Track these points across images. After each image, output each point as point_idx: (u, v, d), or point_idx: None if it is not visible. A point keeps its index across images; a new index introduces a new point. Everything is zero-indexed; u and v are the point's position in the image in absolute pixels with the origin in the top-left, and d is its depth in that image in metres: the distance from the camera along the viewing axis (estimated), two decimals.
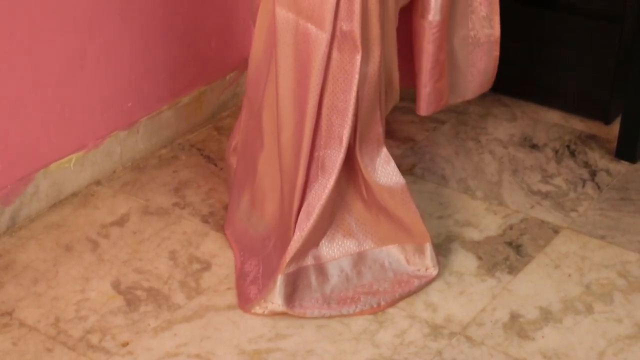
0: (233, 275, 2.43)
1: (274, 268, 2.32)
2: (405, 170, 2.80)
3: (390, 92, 2.44)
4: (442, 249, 2.51)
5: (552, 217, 2.65)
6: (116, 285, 2.40)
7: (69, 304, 2.34)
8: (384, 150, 2.37)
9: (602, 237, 2.57)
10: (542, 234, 2.59)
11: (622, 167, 2.86)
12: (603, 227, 2.61)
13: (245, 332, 2.26)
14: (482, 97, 2.64)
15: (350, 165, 2.35)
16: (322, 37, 2.18)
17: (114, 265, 2.46)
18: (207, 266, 2.47)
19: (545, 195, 2.73)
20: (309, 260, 2.33)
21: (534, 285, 2.41)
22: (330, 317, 2.30)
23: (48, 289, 2.39)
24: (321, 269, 2.34)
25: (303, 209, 2.29)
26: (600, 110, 3.03)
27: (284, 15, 2.21)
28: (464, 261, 2.49)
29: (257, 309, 2.29)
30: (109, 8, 2.66)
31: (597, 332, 2.28)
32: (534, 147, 2.94)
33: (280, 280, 2.27)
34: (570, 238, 2.57)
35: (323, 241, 2.35)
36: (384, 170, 2.36)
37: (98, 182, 2.78)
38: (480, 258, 2.50)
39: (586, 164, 2.87)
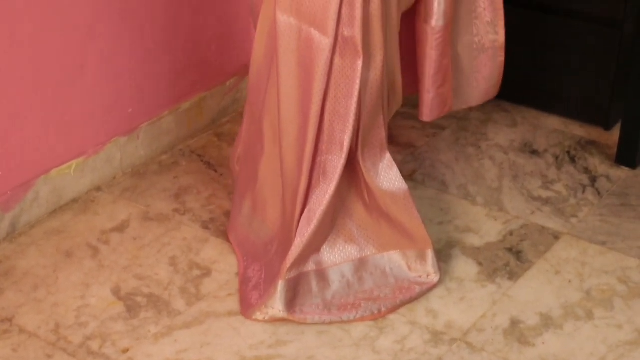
0: (233, 282, 2.43)
1: (275, 273, 2.32)
2: (406, 176, 2.80)
3: (393, 97, 2.44)
4: (443, 255, 2.51)
5: (553, 223, 2.65)
6: (116, 292, 2.40)
7: (69, 310, 2.34)
8: (387, 156, 2.37)
9: (603, 243, 2.57)
10: (542, 240, 2.58)
11: (623, 173, 2.86)
12: (603, 233, 2.61)
13: (246, 339, 2.26)
14: (483, 102, 2.64)
15: (352, 170, 2.35)
16: (325, 43, 2.18)
17: (114, 272, 2.46)
18: (207, 272, 2.47)
19: (546, 201, 2.73)
20: (310, 266, 2.33)
21: (535, 291, 2.41)
22: (331, 323, 2.30)
23: (48, 295, 2.39)
24: (322, 275, 2.34)
25: (304, 214, 2.29)
26: (600, 116, 3.03)
27: (285, 20, 2.21)
28: (464, 267, 2.49)
29: (258, 315, 2.29)
30: (109, 13, 2.66)
31: (598, 338, 2.27)
32: (534, 153, 2.94)
33: (281, 285, 2.27)
34: (570, 244, 2.57)
35: (324, 247, 2.35)
36: (386, 175, 2.36)
37: (98, 188, 2.78)
38: (480, 264, 2.50)
39: (586, 170, 2.87)
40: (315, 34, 2.19)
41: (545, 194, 2.76)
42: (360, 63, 2.19)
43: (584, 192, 2.78)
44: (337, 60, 2.21)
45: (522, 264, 2.50)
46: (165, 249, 2.54)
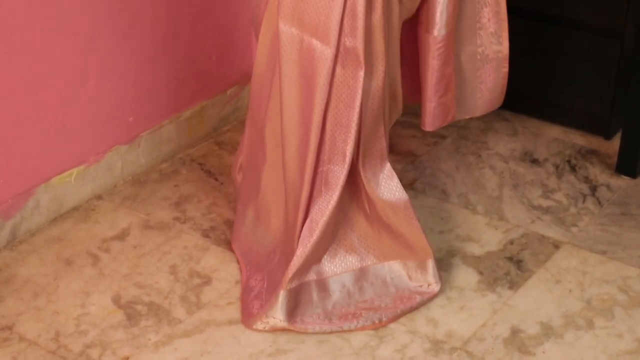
0: (234, 290, 2.43)
1: (277, 283, 2.32)
2: (406, 184, 2.80)
3: (394, 106, 2.44)
4: (443, 263, 2.51)
5: (553, 232, 2.65)
6: (116, 300, 2.40)
7: (69, 319, 2.34)
8: (388, 166, 2.37)
9: (603, 252, 2.57)
10: (542, 249, 2.58)
11: (623, 182, 2.86)
12: (604, 242, 2.61)
13: (246, 347, 2.26)
14: (487, 113, 2.63)
15: (353, 180, 2.35)
16: (327, 53, 2.18)
17: (114, 280, 2.46)
18: (207, 281, 2.47)
19: (546, 210, 2.73)
20: (311, 276, 2.33)
21: (535, 301, 2.41)
22: (331, 332, 2.30)
23: (48, 303, 2.39)
24: (323, 285, 2.34)
25: (306, 224, 2.29)
26: (600, 125, 3.03)
27: (287, 30, 2.21)
28: (464, 276, 2.48)
29: (259, 325, 2.29)
30: (110, 23, 2.67)
31: (598, 347, 2.27)
32: (534, 162, 2.94)
33: (282, 295, 2.27)
34: (571, 253, 2.57)
35: (325, 257, 2.35)
36: (387, 185, 2.36)
37: (99, 197, 2.78)
38: (481, 273, 2.50)
39: (587, 179, 2.87)
40: (317, 44, 2.19)
41: (545, 203, 2.76)
42: (362, 73, 2.20)
43: (584, 201, 2.78)
44: (338, 70, 2.21)
45: (522, 273, 2.50)
46: (166, 258, 2.54)
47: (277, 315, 2.27)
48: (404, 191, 2.37)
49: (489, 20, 2.46)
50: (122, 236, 2.62)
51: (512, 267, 2.52)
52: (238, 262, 2.51)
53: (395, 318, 2.33)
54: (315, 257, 2.32)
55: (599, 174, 2.89)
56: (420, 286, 2.38)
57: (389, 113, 2.40)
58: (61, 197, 2.69)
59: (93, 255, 2.55)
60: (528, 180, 2.86)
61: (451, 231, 2.65)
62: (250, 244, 2.48)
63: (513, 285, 2.46)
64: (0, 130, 2.50)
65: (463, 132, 3.07)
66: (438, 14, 2.36)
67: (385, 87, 2.28)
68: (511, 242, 2.61)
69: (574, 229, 2.66)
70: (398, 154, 2.95)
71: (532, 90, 3.11)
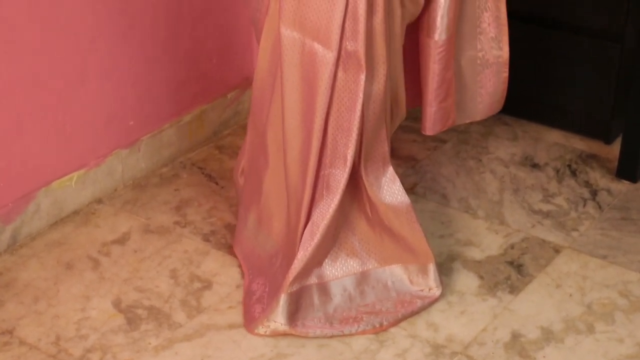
0: (234, 294, 2.43)
1: (278, 287, 2.32)
2: (407, 189, 2.80)
3: (396, 110, 2.44)
4: (444, 268, 2.51)
5: (553, 236, 2.65)
6: (117, 304, 2.40)
7: (69, 323, 2.34)
8: (390, 169, 2.37)
9: (604, 257, 2.57)
10: (543, 254, 2.58)
11: (623, 186, 2.86)
12: (604, 247, 2.61)
13: (247, 351, 2.26)
14: (487, 117, 2.63)
15: (354, 183, 2.35)
16: (328, 57, 2.18)
17: (114, 284, 2.46)
18: (208, 285, 2.46)
19: (547, 215, 2.73)
20: (312, 279, 2.32)
21: (535, 305, 2.41)
22: (332, 336, 2.30)
23: (49, 307, 2.38)
24: (324, 288, 2.34)
25: (307, 228, 2.29)
26: (601, 129, 3.03)
27: (289, 34, 2.21)
28: (465, 280, 2.48)
29: (260, 329, 2.28)
30: (110, 26, 2.67)
31: (599, 352, 2.27)
32: (535, 166, 2.94)
33: (283, 299, 2.27)
34: (571, 257, 2.57)
35: (326, 260, 2.35)
36: (389, 189, 2.36)
37: (99, 201, 2.78)
38: (481, 277, 2.50)
39: (587, 184, 2.87)
40: (319, 48, 2.19)
41: (546, 207, 2.76)
42: (363, 77, 2.20)
43: (584, 205, 2.78)
44: (340, 74, 2.21)
45: (522, 278, 2.50)
46: (166, 262, 2.54)
47: (278, 319, 2.27)
48: (406, 195, 2.37)
49: (489, 25, 2.46)
50: (122, 240, 2.62)
51: (512, 271, 2.52)
52: (239, 266, 2.51)
53: (396, 322, 2.33)
54: (316, 260, 2.32)
55: (599, 178, 2.89)
56: (422, 290, 2.38)
57: (391, 117, 2.40)
58: (62, 201, 2.68)
59: (93, 260, 2.55)
60: (528, 184, 2.86)
61: (452, 235, 2.65)
62: (253, 248, 2.48)
63: (514, 290, 2.46)
64: (0, 134, 2.50)
65: (463, 137, 3.07)
66: (439, 18, 2.36)
67: (386, 91, 2.28)
68: (512, 247, 2.61)
69: (575, 234, 2.66)
70: (399, 158, 2.95)
71: (532, 95, 3.11)
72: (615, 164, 2.92)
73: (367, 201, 2.36)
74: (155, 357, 2.24)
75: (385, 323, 2.32)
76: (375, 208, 2.35)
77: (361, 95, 2.21)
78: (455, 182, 2.87)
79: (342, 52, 2.20)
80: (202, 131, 3.03)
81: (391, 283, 2.38)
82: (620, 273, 2.51)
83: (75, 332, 2.31)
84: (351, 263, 2.37)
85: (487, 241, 2.63)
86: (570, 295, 2.44)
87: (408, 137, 3.05)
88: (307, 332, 2.28)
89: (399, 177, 2.77)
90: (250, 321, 2.32)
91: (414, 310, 2.36)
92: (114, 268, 2.51)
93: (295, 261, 2.28)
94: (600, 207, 2.77)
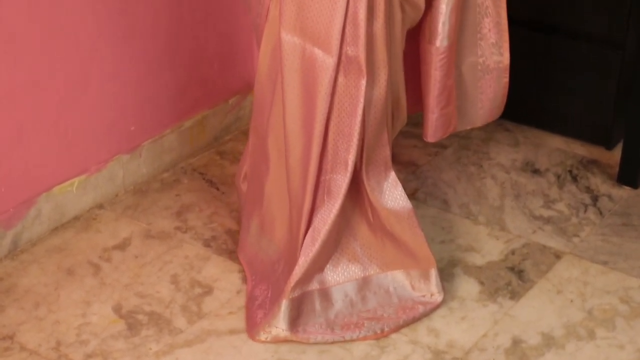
0: (235, 300, 2.43)
1: (280, 292, 2.31)
2: (408, 194, 2.78)
3: (398, 115, 2.44)
4: (445, 274, 2.51)
5: (554, 242, 2.65)
6: (117, 309, 2.40)
7: (70, 328, 2.34)
8: (392, 174, 2.37)
9: (604, 263, 2.57)
10: (544, 259, 2.58)
11: (624, 192, 2.86)
12: (605, 253, 2.61)
13: (247, 357, 2.26)
14: (487, 123, 2.63)
15: (356, 188, 2.35)
16: (328, 62, 2.19)
17: (115, 289, 2.46)
18: (208, 290, 2.46)
19: (547, 221, 2.73)
20: (314, 285, 2.32)
21: (536, 311, 2.41)
22: (333, 342, 2.29)
23: (49, 312, 2.38)
24: (325, 294, 2.34)
25: (309, 233, 2.29)
26: (602, 135, 3.03)
27: (289, 39, 2.22)
28: (466, 286, 2.48)
29: (262, 335, 2.28)
30: (112, 32, 2.67)
31: (600, 358, 2.27)
32: (536, 172, 2.94)
33: (284, 305, 2.27)
34: (572, 263, 2.57)
35: (328, 266, 2.35)
36: (391, 194, 2.36)
37: (100, 206, 2.78)
38: (482, 283, 2.50)
39: (588, 189, 2.87)
40: (319, 53, 2.19)
41: (547, 213, 2.76)
42: (364, 82, 2.20)
43: (585, 211, 2.78)
44: (340, 79, 2.21)
45: (523, 283, 2.50)
46: (167, 267, 2.54)
47: (280, 325, 2.27)
48: (408, 200, 2.37)
49: (489, 30, 2.46)
50: (123, 246, 2.62)
51: (513, 277, 2.52)
52: (241, 271, 2.51)
53: (397, 328, 2.33)
54: (317, 266, 2.32)
55: (600, 184, 2.89)
56: (423, 296, 2.38)
57: (392, 121, 2.40)
58: (62, 207, 2.69)
59: (94, 265, 2.55)
60: (529, 190, 2.86)
61: (452, 241, 2.65)
62: (256, 253, 2.48)
63: (514, 296, 2.45)
64: (1, 139, 2.50)
65: (464, 142, 3.07)
66: (440, 25, 2.36)
67: (387, 96, 2.29)
68: (512, 252, 2.61)
69: (576, 239, 2.66)
70: (399, 164, 2.95)
71: (533, 101, 3.11)
72: (616, 169, 2.92)
73: (369, 206, 2.36)
74: None
75: (386, 329, 2.32)
76: (377, 213, 2.35)
77: (362, 100, 2.21)
78: (456, 187, 2.87)
79: (343, 57, 2.20)
80: (203, 137, 3.04)
81: (393, 289, 2.38)
82: (621, 279, 2.51)
83: (75, 338, 2.31)
84: (353, 268, 2.36)
85: (488, 247, 2.63)
86: (571, 301, 2.44)
87: (409, 143, 3.05)
88: (308, 338, 2.28)
89: (400, 182, 2.78)
90: (252, 327, 2.32)
91: (415, 316, 2.35)
92: (115, 273, 2.51)
93: (297, 267, 2.27)
94: (601, 213, 2.77)
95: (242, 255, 2.52)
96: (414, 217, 2.37)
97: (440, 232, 2.68)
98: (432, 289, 2.38)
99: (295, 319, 2.29)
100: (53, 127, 2.61)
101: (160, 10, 2.79)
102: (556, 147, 3.06)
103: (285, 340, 2.29)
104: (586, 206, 2.80)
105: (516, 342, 2.31)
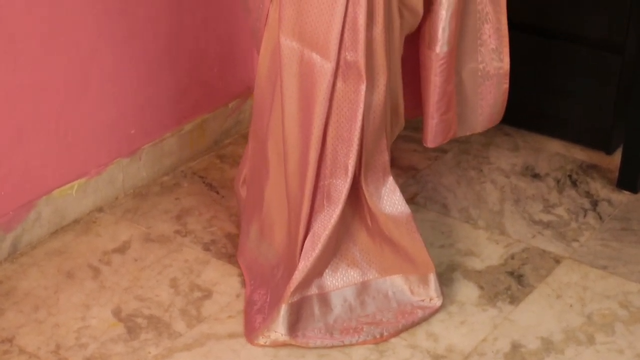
0: (234, 303, 2.43)
1: (279, 297, 2.31)
2: (408, 199, 2.80)
3: (396, 120, 2.44)
4: (444, 278, 2.51)
5: (554, 247, 2.65)
6: (117, 313, 2.40)
7: (69, 331, 2.34)
8: (390, 179, 2.37)
9: (604, 268, 2.57)
10: (543, 264, 2.58)
11: (624, 197, 2.86)
12: (605, 258, 2.61)
13: None
14: (487, 129, 2.63)
15: (355, 194, 2.35)
16: (327, 67, 2.19)
17: (115, 293, 2.46)
18: (208, 294, 2.46)
19: (547, 225, 2.73)
20: (313, 290, 2.32)
21: (536, 315, 2.41)
22: (333, 347, 2.29)
23: (49, 315, 2.38)
24: (324, 299, 2.34)
25: (308, 238, 2.29)
26: (602, 140, 3.03)
27: (288, 44, 2.22)
28: (465, 291, 2.48)
29: (261, 339, 2.28)
30: (112, 35, 2.67)
31: None
32: (535, 176, 2.94)
33: (284, 309, 2.27)
34: (571, 268, 2.57)
35: (327, 271, 2.35)
36: (389, 199, 2.36)
37: (100, 209, 2.78)
38: (481, 287, 2.50)
39: (588, 194, 2.87)
40: (317, 58, 2.19)
41: (546, 217, 2.76)
42: (363, 87, 2.20)
43: (585, 216, 2.78)
44: (339, 84, 2.21)
45: (523, 288, 2.50)
46: (167, 271, 2.54)
47: (279, 329, 2.27)
48: (406, 205, 2.37)
49: (489, 36, 2.46)
50: (123, 249, 2.62)
51: (512, 281, 2.52)
52: (240, 275, 2.51)
53: (396, 333, 2.33)
54: (317, 271, 2.32)
55: (600, 188, 2.89)
56: (422, 300, 2.38)
57: (390, 127, 2.40)
58: (62, 210, 2.69)
59: (94, 268, 2.55)
60: (529, 194, 2.86)
61: (452, 245, 2.65)
62: (255, 258, 2.48)
63: (514, 300, 2.46)
64: (1, 142, 2.50)
65: (464, 147, 3.07)
66: (440, 31, 2.36)
67: (386, 101, 2.29)
68: (512, 257, 2.61)
69: (575, 244, 2.66)
70: (399, 168, 2.96)
71: (533, 105, 3.11)
72: (616, 174, 2.92)
73: (368, 211, 2.36)
74: None
75: (385, 333, 2.32)
76: (375, 218, 2.35)
77: (362, 105, 2.21)
78: (456, 192, 2.87)
79: (342, 63, 2.20)
80: (203, 140, 3.04)
81: (392, 293, 2.38)
82: (621, 284, 2.51)
83: (75, 341, 2.31)
84: (351, 273, 2.36)
85: (487, 251, 2.63)
86: (571, 305, 2.44)
87: (409, 147, 3.06)
88: (308, 343, 2.28)
89: (400, 186, 2.77)
90: (250, 331, 2.32)
91: (414, 320, 2.35)
92: (114, 277, 2.51)
93: (297, 272, 2.27)
94: (600, 217, 2.77)
95: (242, 259, 2.53)
96: (412, 222, 2.37)
97: (439, 237, 2.68)
98: (431, 294, 2.38)
99: (295, 324, 2.29)
100: (53, 130, 2.61)
101: (161, 13, 2.79)
102: (556, 152, 3.06)
103: (285, 344, 2.29)
104: (586, 211, 2.80)
105: (515, 346, 2.31)
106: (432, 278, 2.38)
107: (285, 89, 2.25)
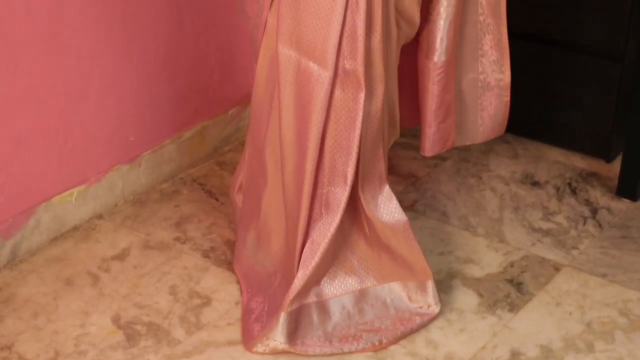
0: (233, 311, 2.43)
1: (277, 305, 2.31)
2: (407, 206, 2.80)
3: (392, 129, 2.45)
4: (443, 285, 2.51)
5: (553, 254, 2.65)
6: (116, 320, 2.39)
7: (68, 338, 2.34)
8: (386, 188, 2.37)
9: (603, 275, 2.57)
10: (543, 272, 2.58)
11: (623, 205, 2.86)
12: (604, 265, 2.61)
13: None
14: (488, 140, 2.63)
15: (352, 202, 2.34)
16: (324, 76, 2.19)
17: (114, 300, 2.46)
18: (207, 301, 2.46)
19: (547, 233, 2.73)
20: (311, 298, 2.32)
21: (535, 323, 2.41)
22: (332, 354, 2.29)
23: (48, 322, 2.38)
24: (323, 307, 2.33)
25: (307, 246, 2.28)
26: (601, 148, 3.03)
27: (286, 53, 2.22)
28: (464, 298, 2.48)
29: (259, 347, 2.28)
30: (112, 42, 2.68)
31: None
32: (535, 184, 2.94)
33: (283, 318, 2.27)
34: (571, 276, 2.57)
35: (325, 279, 2.35)
36: (386, 207, 2.36)
37: (99, 216, 2.78)
38: (481, 295, 2.50)
39: (587, 202, 2.87)
40: (314, 67, 2.19)
41: (546, 225, 2.76)
42: (362, 96, 2.20)
43: (584, 223, 2.78)
44: (338, 92, 2.21)
45: (522, 296, 2.50)
46: (166, 278, 2.54)
47: (278, 338, 2.27)
48: (403, 213, 2.37)
49: (490, 48, 2.47)
50: (122, 256, 2.62)
51: (512, 289, 2.52)
52: (239, 283, 2.51)
53: (395, 340, 2.33)
54: (315, 279, 2.32)
55: (599, 196, 2.89)
56: (421, 307, 2.38)
57: (387, 136, 2.40)
58: (62, 217, 2.69)
59: (93, 275, 2.55)
60: (529, 202, 2.86)
61: (451, 253, 2.65)
62: (252, 266, 2.48)
63: (513, 308, 2.45)
64: (1, 149, 2.50)
65: (464, 154, 3.07)
66: (438, 40, 2.37)
67: (384, 109, 2.29)
68: (511, 265, 2.61)
69: (575, 252, 2.66)
70: (399, 176, 2.96)
71: (533, 113, 3.11)
72: (616, 182, 2.92)
73: (365, 220, 2.36)
74: None
75: (384, 341, 2.32)
76: (372, 226, 2.35)
77: (360, 113, 2.21)
78: (456, 199, 2.87)
79: (340, 71, 2.20)
80: (202, 147, 3.04)
81: (390, 300, 2.38)
82: (620, 292, 2.51)
83: (74, 348, 2.31)
84: (350, 281, 2.36)
85: (486, 259, 2.63)
86: (570, 313, 2.44)
87: (408, 155, 3.06)
88: (307, 351, 2.28)
89: (399, 194, 2.78)
90: (248, 339, 2.32)
91: (413, 327, 2.35)
92: (114, 284, 2.51)
93: (296, 280, 2.27)
94: (600, 225, 2.77)
95: (238, 267, 2.52)
96: (409, 229, 2.37)
97: (439, 244, 2.68)
98: (429, 300, 2.38)
99: (293, 332, 2.29)
100: (52, 137, 2.61)
101: (161, 21, 2.79)
102: (555, 160, 3.06)
103: (284, 352, 2.28)
104: (585, 219, 2.80)
105: (515, 354, 2.31)
106: (430, 285, 2.38)
107: (282, 97, 2.25)
